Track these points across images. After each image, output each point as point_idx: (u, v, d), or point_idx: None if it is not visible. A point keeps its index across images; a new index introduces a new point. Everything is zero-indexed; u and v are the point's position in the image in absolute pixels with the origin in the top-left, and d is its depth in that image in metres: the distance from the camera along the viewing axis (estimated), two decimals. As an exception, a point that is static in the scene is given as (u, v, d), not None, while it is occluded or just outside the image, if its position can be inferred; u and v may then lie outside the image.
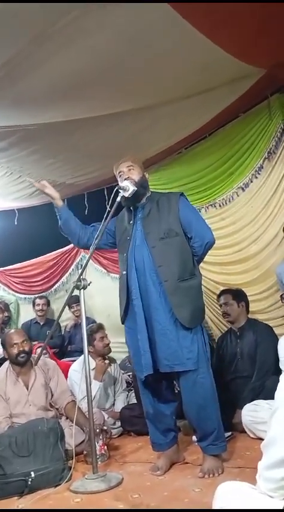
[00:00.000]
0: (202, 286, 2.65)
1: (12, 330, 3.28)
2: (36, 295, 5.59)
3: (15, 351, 2.98)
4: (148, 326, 2.43)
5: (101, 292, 5.08)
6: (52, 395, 3.07)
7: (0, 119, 3.17)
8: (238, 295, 3.45)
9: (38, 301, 5.38)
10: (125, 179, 2.52)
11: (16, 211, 5.46)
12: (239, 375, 3.25)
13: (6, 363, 3.08)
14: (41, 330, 5.13)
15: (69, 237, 2.89)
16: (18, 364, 3.00)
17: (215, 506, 1.18)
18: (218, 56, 2.71)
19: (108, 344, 3.54)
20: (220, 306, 3.53)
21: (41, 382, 3.03)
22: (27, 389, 2.97)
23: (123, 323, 2.60)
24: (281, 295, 3.40)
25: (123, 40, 2.47)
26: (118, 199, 2.48)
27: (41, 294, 5.62)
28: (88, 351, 2.71)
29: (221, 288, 3.76)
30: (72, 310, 5.05)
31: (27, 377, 3.02)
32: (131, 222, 2.59)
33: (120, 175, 2.60)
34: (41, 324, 5.25)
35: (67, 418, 2.97)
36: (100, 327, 3.61)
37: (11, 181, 4.46)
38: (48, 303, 5.43)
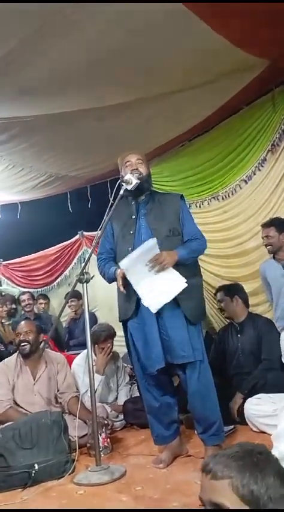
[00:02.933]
0: (203, 281, 2.71)
1: (23, 322, 3.35)
2: (20, 292, 5.59)
3: (17, 340, 3.09)
4: (158, 321, 2.43)
5: (103, 285, 5.05)
6: (58, 389, 3.10)
7: (1, 110, 3.15)
8: (231, 289, 3.42)
9: (22, 297, 5.40)
10: (132, 170, 2.51)
11: (19, 205, 5.46)
12: (240, 371, 3.24)
13: (16, 353, 3.14)
14: (41, 326, 5.14)
15: None
16: (21, 354, 3.04)
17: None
18: (222, 46, 2.67)
19: (109, 354, 3.45)
20: (218, 302, 3.55)
21: (49, 374, 3.07)
22: (34, 379, 3.01)
23: (126, 320, 2.57)
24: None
25: (123, 30, 2.44)
26: (122, 192, 2.47)
27: (25, 290, 5.64)
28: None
29: (221, 282, 3.75)
30: (68, 305, 5.05)
31: (35, 367, 3.07)
32: (133, 216, 2.58)
33: (126, 166, 2.57)
34: (32, 319, 5.25)
35: (70, 413, 2.98)
36: (110, 337, 3.46)
37: (13, 174, 4.46)
38: (33, 298, 5.43)
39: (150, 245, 2.36)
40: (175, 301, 2.39)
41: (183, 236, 2.53)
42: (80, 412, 2.73)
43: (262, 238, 3.39)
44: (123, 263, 2.40)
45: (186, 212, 2.63)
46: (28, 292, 5.52)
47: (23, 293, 5.48)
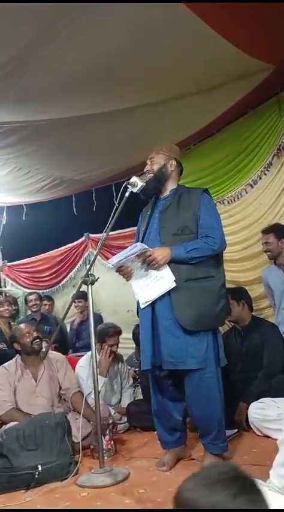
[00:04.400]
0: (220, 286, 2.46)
1: (23, 324, 3.33)
2: (27, 293, 5.60)
3: (28, 339, 3.03)
4: (155, 322, 2.40)
5: (108, 288, 5.08)
6: (60, 387, 3.10)
7: (9, 114, 3.18)
8: (237, 293, 3.38)
9: (29, 297, 5.40)
10: (145, 171, 2.53)
11: (24, 207, 5.49)
12: (244, 375, 3.21)
13: (15, 357, 3.12)
14: (38, 326, 5.14)
15: None
16: (33, 352, 3.04)
17: None
18: (228, 51, 2.69)
19: (115, 353, 3.47)
20: None
21: (50, 374, 3.07)
22: (36, 381, 3.02)
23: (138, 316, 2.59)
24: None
25: (130, 36, 2.46)
26: (127, 194, 2.47)
27: (32, 290, 5.64)
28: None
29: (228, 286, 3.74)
30: (75, 305, 5.06)
31: (36, 369, 3.06)
32: (148, 213, 2.58)
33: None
34: (38, 319, 5.27)
35: (74, 410, 2.99)
36: (117, 333, 3.49)
37: (19, 177, 4.49)
38: (40, 298, 5.44)
39: (137, 249, 2.33)
40: (171, 308, 2.33)
41: (197, 234, 2.40)
42: (84, 409, 2.74)
43: (262, 244, 3.41)
44: (111, 261, 2.47)
45: (205, 208, 2.44)
46: (35, 292, 5.52)
47: (31, 293, 5.48)
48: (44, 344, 3.33)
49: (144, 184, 2.48)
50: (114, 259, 2.44)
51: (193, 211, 2.43)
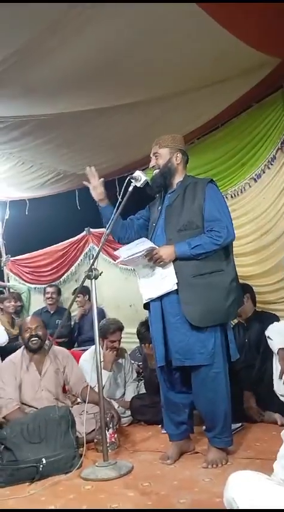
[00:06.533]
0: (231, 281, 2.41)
1: (28, 317, 3.36)
2: (47, 285, 5.62)
3: (27, 335, 3.06)
4: (164, 318, 2.41)
5: (110, 283, 5.09)
6: (67, 382, 3.12)
7: (13, 108, 3.17)
8: (242, 288, 3.41)
9: (48, 289, 5.42)
10: (151, 167, 2.52)
11: (27, 201, 5.48)
12: (246, 364, 3.25)
13: (21, 348, 3.15)
14: (51, 319, 5.16)
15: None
16: (30, 350, 3.05)
17: (227, 496, 1.18)
18: (233, 45, 2.66)
19: (117, 349, 3.48)
20: None
21: (54, 369, 3.08)
22: (40, 374, 3.02)
23: (145, 308, 2.61)
24: None
25: (135, 29, 2.44)
26: (130, 189, 2.46)
27: (51, 283, 5.65)
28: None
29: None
30: (76, 300, 5.07)
31: (41, 363, 3.07)
32: (159, 208, 2.56)
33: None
34: (51, 312, 5.29)
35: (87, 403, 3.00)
36: (119, 329, 3.49)
37: (22, 171, 4.48)
38: (59, 292, 5.46)
39: (145, 248, 2.33)
40: (178, 305, 2.34)
41: (204, 227, 2.37)
42: (92, 397, 2.77)
43: None
44: (119, 254, 2.49)
45: (211, 200, 2.39)
46: (55, 285, 5.53)
47: (50, 285, 5.49)
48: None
49: (148, 178, 2.48)
50: (122, 254, 2.43)
51: (199, 204, 2.40)
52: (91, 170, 2.60)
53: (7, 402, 2.86)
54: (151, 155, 2.56)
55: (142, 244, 2.37)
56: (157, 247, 2.36)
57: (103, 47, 2.55)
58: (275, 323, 3.09)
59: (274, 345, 2.94)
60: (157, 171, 2.53)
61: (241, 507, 1.12)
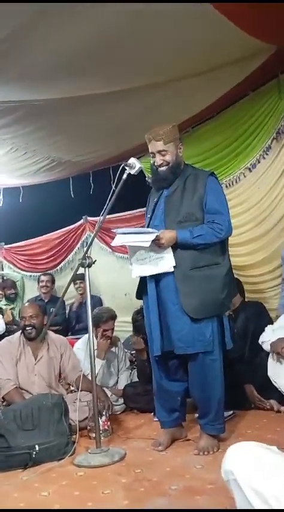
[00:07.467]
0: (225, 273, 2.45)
1: (27, 304, 3.41)
2: (41, 273, 5.61)
3: (22, 323, 3.11)
4: (162, 307, 2.42)
5: (106, 271, 5.09)
6: (63, 370, 3.14)
7: (4, 93, 3.12)
8: None
9: (42, 277, 5.42)
10: (159, 165, 2.46)
11: (21, 189, 5.44)
12: (235, 355, 3.26)
13: (20, 332, 3.18)
14: (45, 308, 5.16)
15: None
16: (25, 337, 3.08)
17: (225, 467, 1.17)
18: (228, 31, 2.63)
19: (110, 337, 3.49)
20: None
21: (51, 355, 3.10)
22: (35, 359, 3.05)
23: (138, 298, 2.62)
24: None
25: (130, 16, 2.40)
26: (125, 176, 2.44)
27: (46, 272, 5.64)
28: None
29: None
30: (76, 286, 5.07)
31: (37, 348, 3.10)
32: (155, 199, 2.54)
33: (151, 156, 2.51)
34: (46, 301, 5.28)
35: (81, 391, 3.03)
36: (111, 318, 3.50)
37: (15, 158, 4.43)
38: (53, 281, 5.46)
39: (149, 239, 2.31)
40: (177, 294, 2.36)
41: (204, 220, 2.39)
42: (85, 385, 2.80)
43: None
44: (119, 236, 2.47)
45: (212, 193, 2.41)
46: (49, 274, 5.53)
47: (45, 274, 5.49)
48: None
49: (143, 166, 2.46)
50: (121, 239, 2.44)
51: (199, 196, 2.41)
52: None
53: (5, 383, 2.90)
54: (154, 151, 2.47)
55: (145, 235, 2.34)
56: (159, 233, 2.33)
57: (96, 32, 2.51)
58: (265, 330, 3.11)
59: (267, 344, 2.97)
60: (165, 168, 2.46)
61: (238, 479, 1.11)
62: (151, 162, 2.53)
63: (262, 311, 3.41)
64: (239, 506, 1.14)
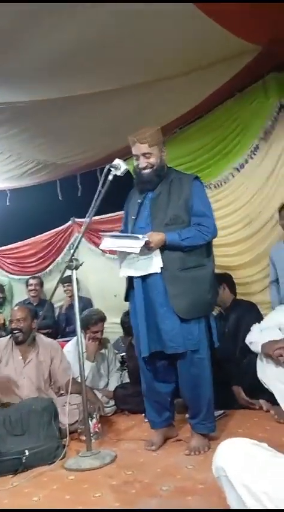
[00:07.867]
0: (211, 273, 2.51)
1: (17, 307, 3.39)
2: (30, 276, 5.57)
3: (11, 326, 3.11)
4: (149, 308, 2.42)
5: (96, 273, 5.07)
6: (53, 375, 3.11)
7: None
8: (218, 278, 3.42)
9: (31, 281, 5.38)
10: (143, 168, 2.47)
11: (7, 192, 5.40)
12: (225, 355, 3.26)
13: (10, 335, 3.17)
14: (36, 311, 5.12)
15: None
16: (14, 340, 3.07)
17: (216, 464, 1.17)
18: (213, 31, 2.63)
19: (99, 339, 3.49)
20: None
21: (40, 359, 3.08)
22: (24, 362, 3.03)
23: (126, 300, 2.62)
24: None
25: (117, 16, 2.39)
26: (110, 177, 2.43)
27: (34, 275, 5.60)
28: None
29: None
30: (64, 289, 5.04)
31: (27, 351, 3.08)
32: (139, 201, 2.54)
33: (135, 159, 2.51)
34: (34, 304, 5.24)
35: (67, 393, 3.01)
36: (101, 320, 3.51)
37: (0, 161, 4.39)
38: (41, 284, 5.43)
39: (139, 246, 2.31)
40: (166, 295, 2.37)
41: (190, 222, 2.43)
42: (74, 387, 2.79)
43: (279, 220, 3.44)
44: (106, 240, 2.47)
45: (197, 196, 2.46)
46: (38, 277, 5.48)
47: (33, 277, 5.44)
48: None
49: (128, 167, 2.46)
50: (109, 243, 2.44)
51: (185, 199, 2.45)
52: None
53: None
54: (138, 154, 2.47)
55: (134, 240, 2.33)
56: (148, 239, 2.33)
57: (82, 34, 2.49)
58: (251, 329, 3.06)
59: (257, 345, 2.96)
60: (149, 170, 2.47)
61: (229, 476, 1.11)
62: (135, 164, 2.54)
63: (254, 310, 3.40)
64: (230, 503, 1.14)
